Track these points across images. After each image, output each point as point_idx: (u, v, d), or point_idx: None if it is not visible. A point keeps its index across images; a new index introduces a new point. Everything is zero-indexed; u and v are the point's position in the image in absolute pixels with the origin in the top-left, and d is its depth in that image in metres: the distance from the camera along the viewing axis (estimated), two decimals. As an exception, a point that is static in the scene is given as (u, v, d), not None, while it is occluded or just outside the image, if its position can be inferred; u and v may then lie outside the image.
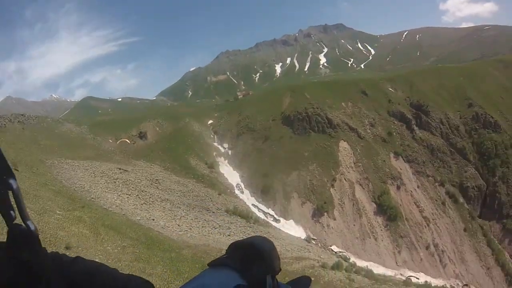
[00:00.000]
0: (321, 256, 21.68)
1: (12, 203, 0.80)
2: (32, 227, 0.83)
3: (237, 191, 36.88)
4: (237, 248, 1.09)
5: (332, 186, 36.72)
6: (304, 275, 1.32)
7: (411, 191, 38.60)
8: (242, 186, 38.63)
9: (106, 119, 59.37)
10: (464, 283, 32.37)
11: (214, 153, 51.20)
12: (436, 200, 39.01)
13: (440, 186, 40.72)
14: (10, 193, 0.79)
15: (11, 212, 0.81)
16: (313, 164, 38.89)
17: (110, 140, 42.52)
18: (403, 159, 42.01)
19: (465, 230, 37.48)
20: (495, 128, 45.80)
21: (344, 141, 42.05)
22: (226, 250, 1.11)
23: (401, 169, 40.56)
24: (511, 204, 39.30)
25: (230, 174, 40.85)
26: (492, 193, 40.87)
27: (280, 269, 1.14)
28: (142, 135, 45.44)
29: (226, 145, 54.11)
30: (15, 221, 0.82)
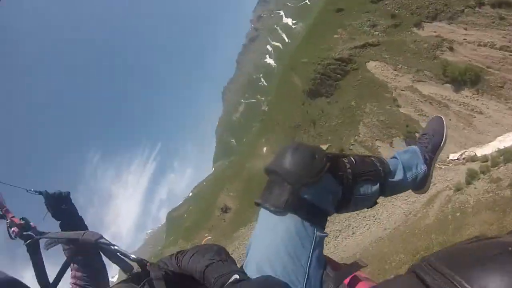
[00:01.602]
0: (446, 178, 18.60)
1: None
2: None
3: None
4: None
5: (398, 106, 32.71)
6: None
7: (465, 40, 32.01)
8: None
9: (186, 224, 61.79)
10: None
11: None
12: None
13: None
14: None
15: None
16: (366, 106, 35.55)
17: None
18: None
19: None
20: None
21: (368, 61, 38.02)
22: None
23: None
24: None
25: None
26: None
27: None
28: (224, 210, 47.09)
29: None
30: None
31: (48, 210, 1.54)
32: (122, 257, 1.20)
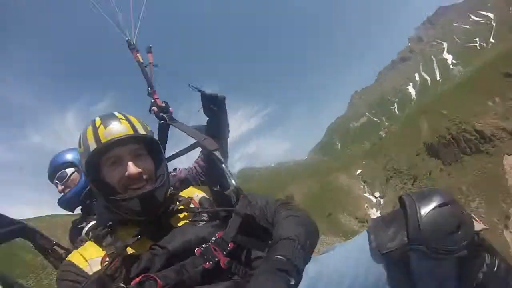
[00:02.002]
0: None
1: None
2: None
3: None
4: None
5: (506, 227, 28.69)
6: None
7: None
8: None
9: (256, 188, 64.75)
10: None
11: (366, 205, 50.83)
12: None
13: None
14: None
15: None
16: (475, 200, 32.32)
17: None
18: None
19: None
20: None
21: (509, 155, 33.29)
22: None
23: None
24: None
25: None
26: None
27: None
28: (289, 199, 51.56)
29: (377, 194, 52.83)
30: None
31: (202, 105, 1.62)
32: (227, 176, 1.26)
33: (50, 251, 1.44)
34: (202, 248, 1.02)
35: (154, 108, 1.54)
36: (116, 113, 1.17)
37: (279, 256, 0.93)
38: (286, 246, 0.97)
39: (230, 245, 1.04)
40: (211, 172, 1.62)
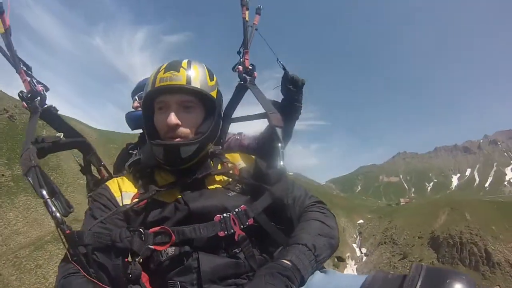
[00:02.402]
0: None
1: None
2: None
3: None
4: None
5: None
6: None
7: None
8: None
9: None
10: None
11: (348, 254, 51.63)
12: None
13: None
14: None
15: None
16: None
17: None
18: None
19: None
20: None
21: None
22: None
23: None
24: None
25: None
26: None
27: None
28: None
29: (364, 250, 53.33)
30: None
31: (281, 84, 1.62)
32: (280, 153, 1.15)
33: (97, 169, 1.46)
34: (222, 216, 1.03)
35: (240, 67, 1.48)
36: (185, 61, 1.14)
37: (287, 262, 0.90)
38: (300, 253, 0.94)
39: (250, 221, 1.03)
40: (262, 148, 1.55)
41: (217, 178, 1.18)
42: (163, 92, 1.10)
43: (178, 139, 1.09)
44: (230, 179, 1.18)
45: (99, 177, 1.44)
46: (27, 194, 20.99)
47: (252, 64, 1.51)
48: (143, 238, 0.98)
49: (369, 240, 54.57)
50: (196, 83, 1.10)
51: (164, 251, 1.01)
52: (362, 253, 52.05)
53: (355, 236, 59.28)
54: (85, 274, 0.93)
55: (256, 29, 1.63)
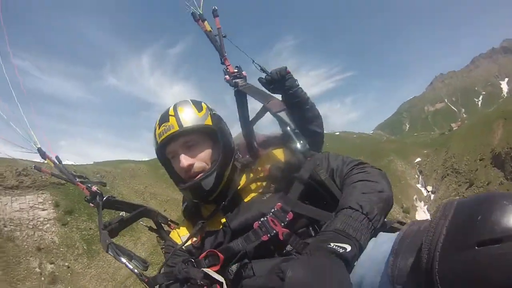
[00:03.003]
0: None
1: None
2: None
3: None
4: None
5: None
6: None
7: None
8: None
9: None
10: None
11: (415, 197, 52.49)
12: None
13: None
14: None
15: None
16: None
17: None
18: None
19: None
20: None
21: None
22: None
23: None
24: None
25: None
26: None
27: None
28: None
29: (430, 188, 53.72)
30: None
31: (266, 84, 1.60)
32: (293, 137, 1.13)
33: (166, 225, 1.61)
34: (260, 222, 1.05)
35: (226, 76, 1.39)
36: (171, 108, 1.21)
37: (331, 231, 0.84)
38: (346, 217, 0.86)
39: (290, 216, 1.02)
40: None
41: (252, 186, 1.21)
42: (166, 144, 1.20)
43: (198, 176, 1.16)
44: (264, 183, 1.20)
45: (170, 230, 1.58)
46: (118, 238, 29.20)
47: (237, 66, 1.45)
48: (195, 265, 1.10)
49: (431, 176, 54.58)
50: (187, 123, 1.16)
51: (230, 269, 1.09)
52: (428, 191, 52.56)
53: (416, 176, 59.07)
54: None
55: (224, 36, 1.57)
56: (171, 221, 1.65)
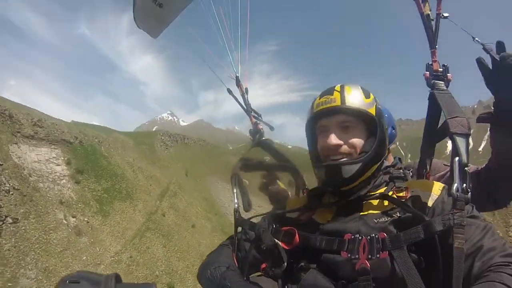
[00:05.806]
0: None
1: None
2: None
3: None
4: None
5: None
6: None
7: None
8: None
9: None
10: None
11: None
12: None
13: None
14: None
15: None
16: None
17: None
18: None
19: None
20: None
21: None
22: None
23: None
24: None
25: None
26: None
27: None
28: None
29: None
30: None
31: (483, 76, 1.24)
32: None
33: (301, 190, 1.60)
34: (352, 236, 0.96)
35: (426, 73, 1.20)
36: (338, 85, 1.15)
37: None
38: None
39: (384, 254, 0.90)
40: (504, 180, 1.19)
41: (374, 202, 1.07)
42: (321, 116, 1.13)
43: (343, 159, 1.08)
44: (391, 205, 1.03)
45: (299, 196, 1.57)
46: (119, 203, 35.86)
47: (443, 65, 1.22)
48: (272, 232, 1.10)
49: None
50: (351, 103, 1.09)
51: (288, 257, 1.06)
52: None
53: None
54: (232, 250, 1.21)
55: (445, 17, 1.28)
56: (306, 189, 1.53)
